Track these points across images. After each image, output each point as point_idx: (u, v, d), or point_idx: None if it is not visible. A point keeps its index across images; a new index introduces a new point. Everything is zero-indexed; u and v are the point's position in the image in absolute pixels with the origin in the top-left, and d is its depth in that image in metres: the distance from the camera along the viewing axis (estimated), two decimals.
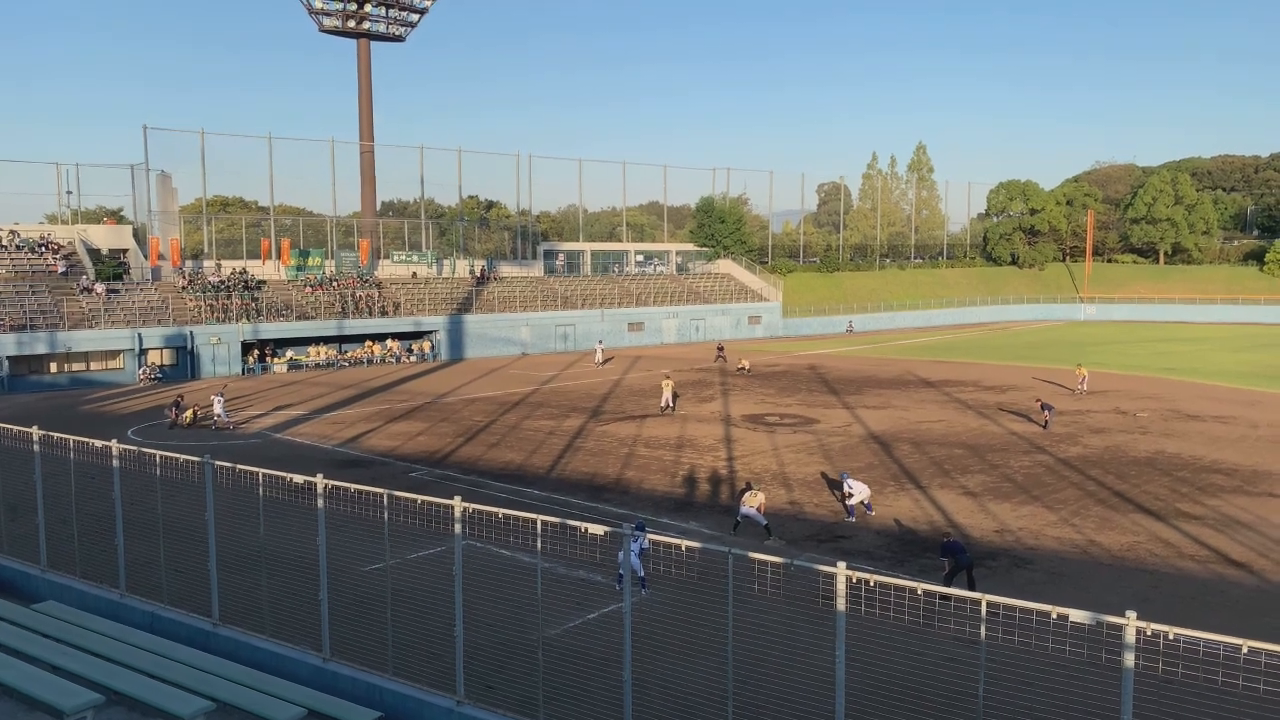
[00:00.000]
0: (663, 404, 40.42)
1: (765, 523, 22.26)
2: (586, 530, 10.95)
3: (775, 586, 10.65)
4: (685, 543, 10.50)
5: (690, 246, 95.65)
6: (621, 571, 14.03)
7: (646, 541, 16.64)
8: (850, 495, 24.61)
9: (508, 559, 17.90)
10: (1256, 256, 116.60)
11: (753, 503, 22.23)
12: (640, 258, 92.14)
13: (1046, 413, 37.82)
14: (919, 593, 9.35)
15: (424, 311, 68.09)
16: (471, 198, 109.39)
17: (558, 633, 15.66)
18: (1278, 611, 17.63)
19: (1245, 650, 8.16)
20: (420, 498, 12.54)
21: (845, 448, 33.72)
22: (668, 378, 43.59)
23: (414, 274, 73.32)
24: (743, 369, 55.45)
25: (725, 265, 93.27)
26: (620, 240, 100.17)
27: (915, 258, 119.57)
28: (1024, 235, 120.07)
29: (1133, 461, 31.31)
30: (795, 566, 9.46)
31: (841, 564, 9.29)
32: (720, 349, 63.85)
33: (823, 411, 41.89)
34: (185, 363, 56.87)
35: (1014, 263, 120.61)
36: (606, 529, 11.25)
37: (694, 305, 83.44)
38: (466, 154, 79.46)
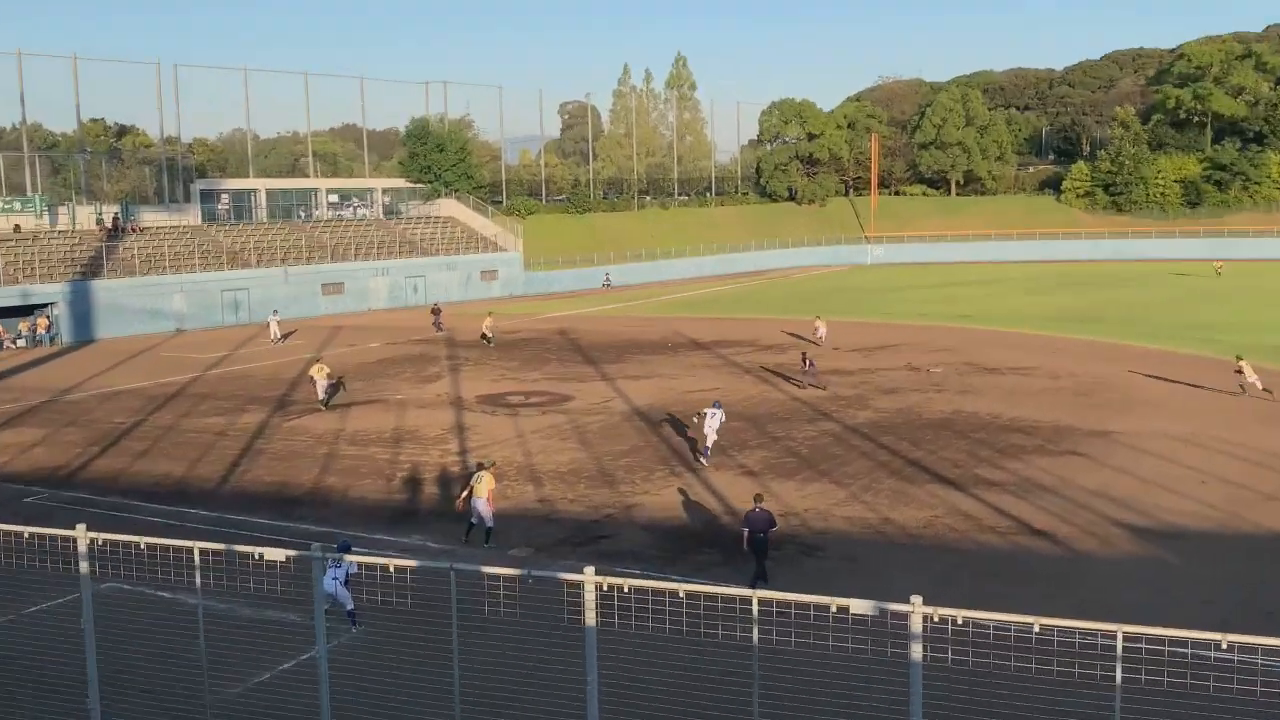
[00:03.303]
0: (320, 396, 38.97)
1: (490, 525, 22.44)
2: (262, 557, 10.62)
3: (513, 605, 10.77)
4: (395, 562, 10.41)
5: (401, 182, 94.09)
6: (324, 605, 13.69)
7: (353, 565, 16.31)
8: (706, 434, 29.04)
9: (168, 603, 17.03)
10: (1053, 184, 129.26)
11: (481, 491, 22.29)
12: (335, 198, 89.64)
13: (808, 366, 40.54)
14: (680, 595, 9.75)
15: (33, 278, 63.05)
16: (95, 121, 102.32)
17: (239, 691, 15.12)
18: (1082, 582, 19.77)
19: (1037, 629, 9.08)
20: (29, 530, 11.67)
21: (605, 428, 34.46)
22: (318, 362, 41.51)
23: (16, 226, 67.48)
24: (486, 339, 55.32)
25: (448, 206, 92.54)
26: (306, 175, 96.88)
27: (679, 194, 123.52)
28: (802, 165, 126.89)
29: (928, 424, 34.00)
30: (533, 578, 9.60)
31: (589, 569, 9.51)
32: (436, 312, 63.03)
33: (577, 386, 42.56)
34: None
35: (792, 198, 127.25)
36: (290, 553, 10.94)
37: (410, 259, 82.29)
38: (86, 62, 74.20)
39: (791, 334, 55.82)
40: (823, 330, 52.17)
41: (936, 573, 20.45)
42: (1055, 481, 26.83)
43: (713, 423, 29.78)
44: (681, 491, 26.83)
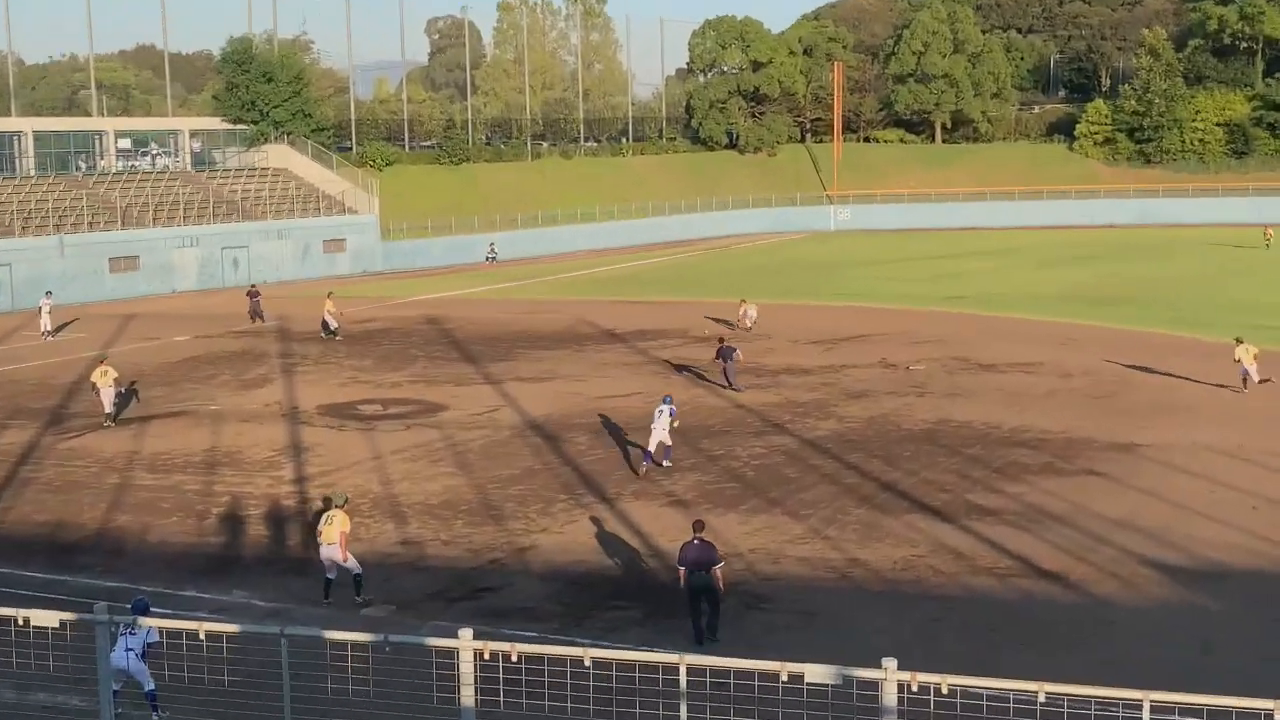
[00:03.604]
0: (107, 408, 38.21)
1: (358, 571, 22.21)
2: (29, 621, 10.45)
3: (365, 680, 10.70)
4: (209, 625, 10.29)
5: (216, 122, 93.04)
6: (114, 685, 13.48)
7: (152, 631, 16.07)
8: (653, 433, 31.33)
9: None
10: (1064, 129, 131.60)
11: (331, 536, 21.95)
12: (127, 143, 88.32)
13: (724, 362, 41.14)
14: (587, 664, 9.76)
15: None
16: None
17: None
18: (1102, 635, 20.16)
19: (1043, 698, 9.24)
20: None
21: (490, 446, 34.36)
22: (104, 363, 40.50)
23: None
24: (328, 330, 54.68)
25: (279, 154, 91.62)
26: (89, 113, 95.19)
27: (587, 140, 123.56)
28: (745, 103, 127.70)
29: (907, 437, 34.41)
30: (392, 645, 9.55)
31: (466, 632, 9.49)
32: (254, 295, 61.57)
33: (453, 391, 42.42)
34: None
35: (732, 145, 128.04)
36: (67, 617, 10.77)
37: (228, 224, 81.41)
38: None
39: (715, 319, 56.54)
40: (753, 314, 53.30)
41: (917, 627, 20.71)
42: (1067, 509, 27.31)
43: (661, 422, 31.34)
44: (593, 524, 26.85)
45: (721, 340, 43.13)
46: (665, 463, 31.42)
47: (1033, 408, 37.83)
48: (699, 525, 21.00)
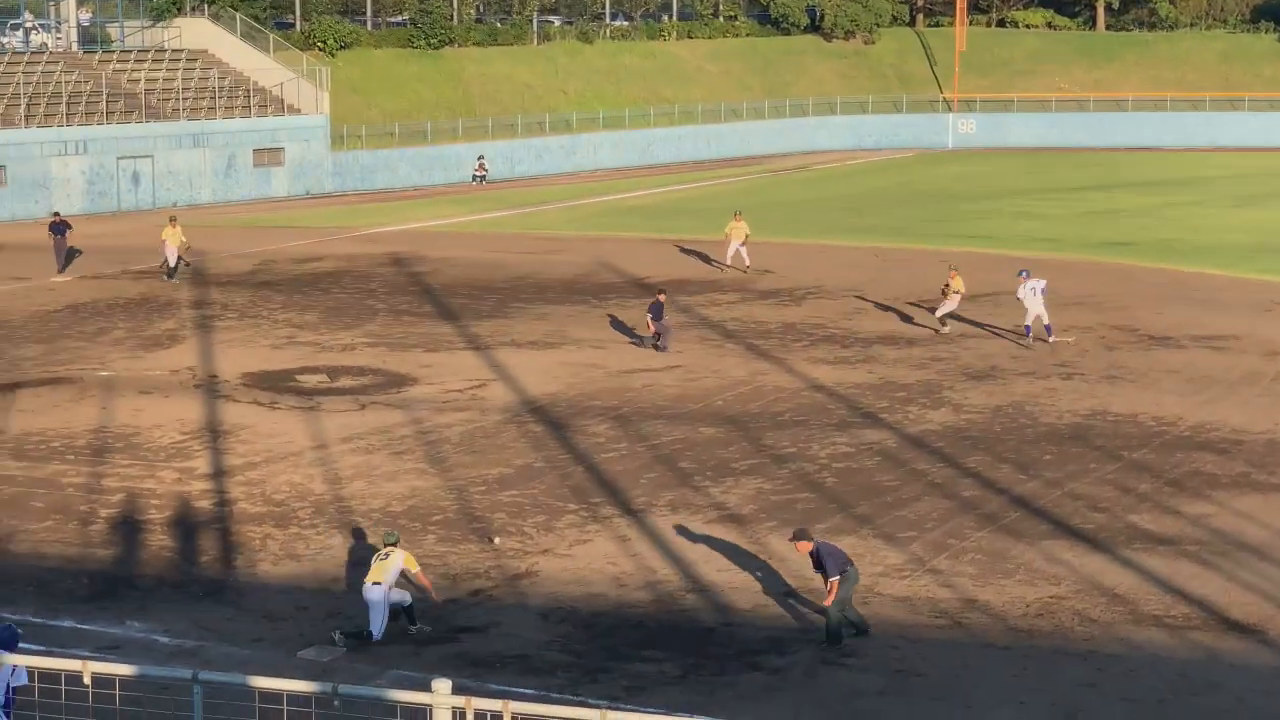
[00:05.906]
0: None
1: (409, 601, 22.37)
2: None
3: None
4: (96, 666, 10.36)
5: None
6: None
7: (21, 672, 16.22)
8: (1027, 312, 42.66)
9: None
10: (1276, 14, 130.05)
11: (380, 577, 21.99)
12: None
13: (653, 322, 42.80)
14: None
15: None
16: None
17: None
18: None
19: None
20: None
21: (474, 435, 34.38)
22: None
23: None
24: (175, 267, 53.54)
25: (197, 31, 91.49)
26: None
27: (614, 17, 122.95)
28: None
29: (1048, 435, 34.18)
30: (342, 700, 9.60)
31: (442, 684, 9.53)
32: (59, 228, 58.93)
33: (424, 359, 42.47)
34: None
35: (815, 28, 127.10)
36: None
37: (127, 125, 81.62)
38: None
39: (691, 251, 60.27)
40: (735, 244, 56.16)
41: (1057, 696, 20.63)
42: (1268, 538, 27.09)
43: (1035, 298, 42.41)
44: (615, 546, 26.76)
45: (661, 291, 44.63)
46: (1051, 338, 42.67)
47: (1224, 398, 37.54)
48: (803, 532, 22.74)
